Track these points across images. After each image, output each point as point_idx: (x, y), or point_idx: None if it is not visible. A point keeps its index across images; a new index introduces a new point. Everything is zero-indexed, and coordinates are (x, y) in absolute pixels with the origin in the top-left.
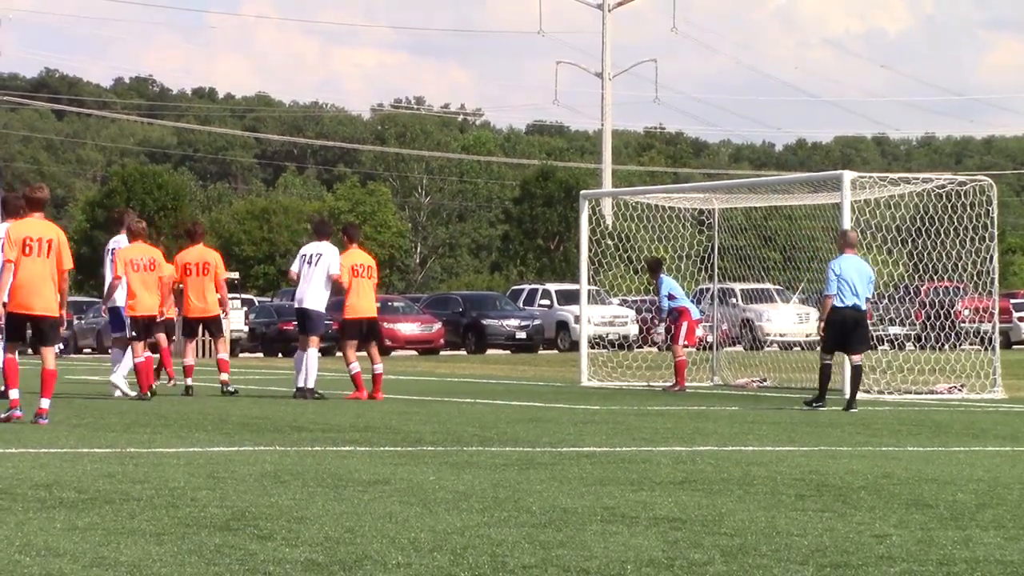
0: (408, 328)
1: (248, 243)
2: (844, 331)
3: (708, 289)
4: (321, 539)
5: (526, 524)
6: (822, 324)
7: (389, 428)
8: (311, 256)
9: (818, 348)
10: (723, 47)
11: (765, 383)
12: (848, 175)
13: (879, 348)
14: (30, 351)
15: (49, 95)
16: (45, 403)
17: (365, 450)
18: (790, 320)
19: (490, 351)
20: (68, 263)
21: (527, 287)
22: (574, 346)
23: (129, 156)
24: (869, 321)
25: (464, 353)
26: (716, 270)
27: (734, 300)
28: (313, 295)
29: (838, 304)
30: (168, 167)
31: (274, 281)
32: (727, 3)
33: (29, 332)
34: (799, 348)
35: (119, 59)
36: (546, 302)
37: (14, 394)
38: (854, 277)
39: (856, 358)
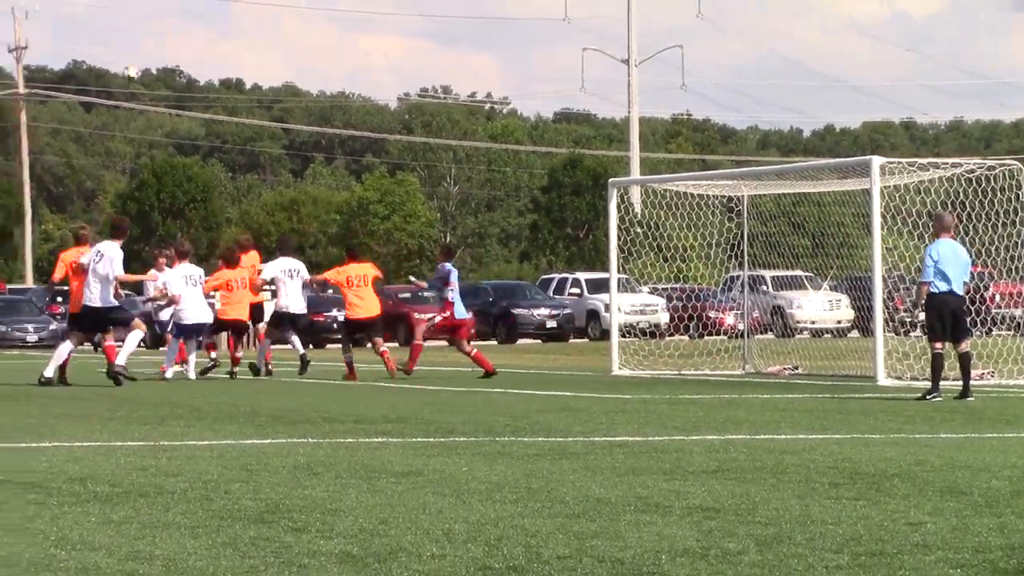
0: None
1: (277, 234)
2: (945, 319)
3: (738, 276)
4: (355, 531)
5: (560, 514)
6: (919, 312)
7: (421, 419)
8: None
9: (918, 335)
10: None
11: (797, 370)
12: (877, 160)
13: (911, 334)
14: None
15: (77, 87)
16: None
17: (398, 441)
18: (821, 307)
19: (520, 341)
20: None
21: (557, 276)
22: (605, 335)
23: (158, 148)
24: (901, 307)
25: (495, 343)
26: (746, 257)
27: (764, 287)
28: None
29: (936, 290)
30: (197, 159)
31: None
32: None
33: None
34: (830, 335)
35: (146, 50)
36: (576, 291)
37: None
38: (951, 262)
39: (963, 346)
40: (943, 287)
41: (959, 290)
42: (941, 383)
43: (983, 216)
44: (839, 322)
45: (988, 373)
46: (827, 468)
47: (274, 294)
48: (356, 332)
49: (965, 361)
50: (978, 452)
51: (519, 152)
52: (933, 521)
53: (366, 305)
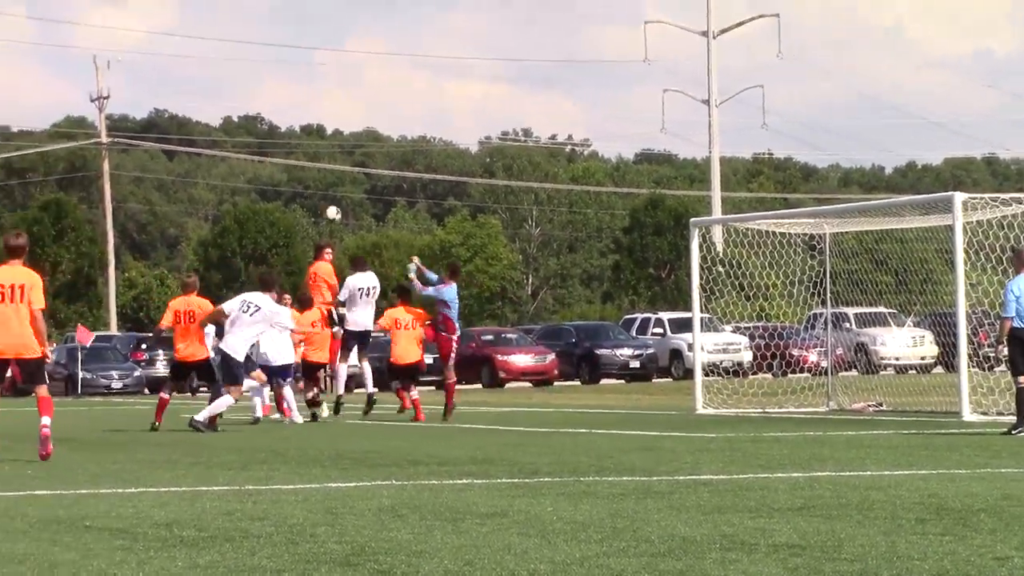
0: (522, 360)
1: None
2: None
3: (821, 314)
4: (440, 572)
5: (645, 553)
6: (1001, 347)
7: (506, 460)
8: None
9: (1003, 370)
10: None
11: (881, 407)
12: (959, 196)
13: (995, 370)
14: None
15: (159, 135)
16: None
17: (482, 482)
18: (905, 343)
19: (604, 381)
20: (38, 303)
21: (639, 316)
22: (688, 374)
23: (240, 194)
24: (986, 342)
25: (578, 383)
26: (828, 295)
27: (848, 324)
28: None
29: (1019, 325)
30: (279, 204)
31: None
32: (832, 27)
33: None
34: (914, 371)
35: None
36: (659, 330)
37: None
38: None
39: None
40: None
41: None
42: None
43: None
44: (923, 358)
45: None
46: (913, 504)
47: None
48: (400, 376)
49: None
50: None
51: (600, 193)
52: (1020, 556)
53: (411, 350)
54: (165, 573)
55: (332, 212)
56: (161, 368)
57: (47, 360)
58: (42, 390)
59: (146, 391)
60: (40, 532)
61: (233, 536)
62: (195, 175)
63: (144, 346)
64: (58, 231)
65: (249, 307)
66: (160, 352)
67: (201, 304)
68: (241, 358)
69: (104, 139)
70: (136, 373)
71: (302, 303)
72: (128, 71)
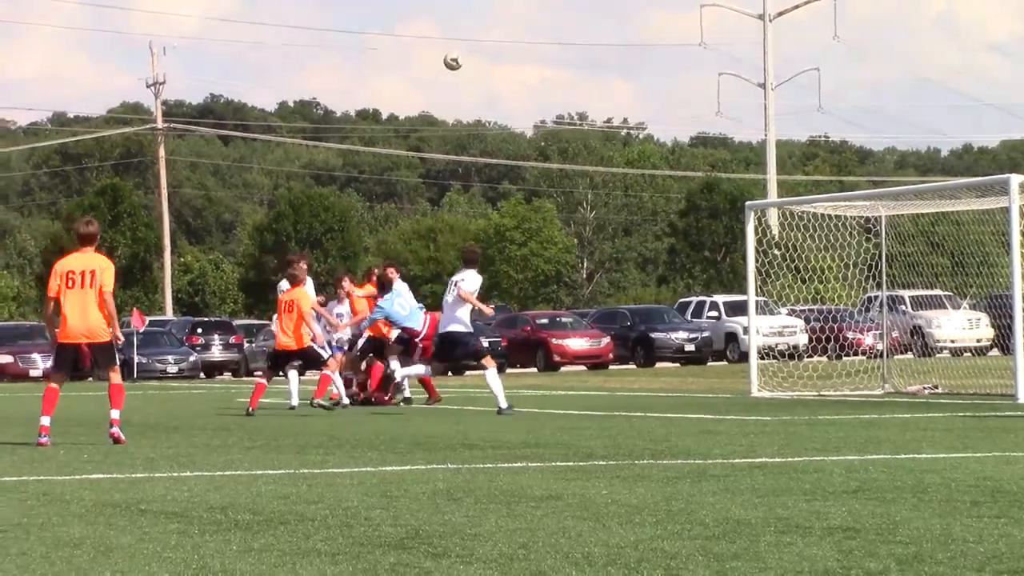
0: (577, 343)
1: (415, 262)
2: None
3: (876, 297)
4: (495, 556)
5: (699, 536)
6: None
7: (560, 443)
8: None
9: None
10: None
11: (937, 390)
12: (1016, 178)
13: None
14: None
15: (214, 121)
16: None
17: (537, 466)
18: (960, 326)
19: (659, 364)
20: (108, 285)
21: (695, 299)
22: (743, 357)
23: (295, 179)
24: None
25: (633, 367)
26: (884, 277)
27: (903, 307)
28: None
29: None
30: (334, 189)
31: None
32: (888, 10)
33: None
34: (970, 354)
35: (282, 83)
36: (714, 314)
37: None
38: None
39: None
40: None
41: None
42: None
43: None
44: (979, 341)
45: None
46: (968, 487)
47: None
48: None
49: None
50: None
51: (655, 177)
52: None
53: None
54: (220, 556)
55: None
56: (217, 353)
57: (119, 342)
58: (114, 376)
59: (201, 375)
60: (95, 516)
61: (288, 519)
62: (250, 160)
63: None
64: (114, 216)
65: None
66: (216, 337)
67: (301, 295)
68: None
69: (160, 124)
70: (192, 358)
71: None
72: (183, 57)
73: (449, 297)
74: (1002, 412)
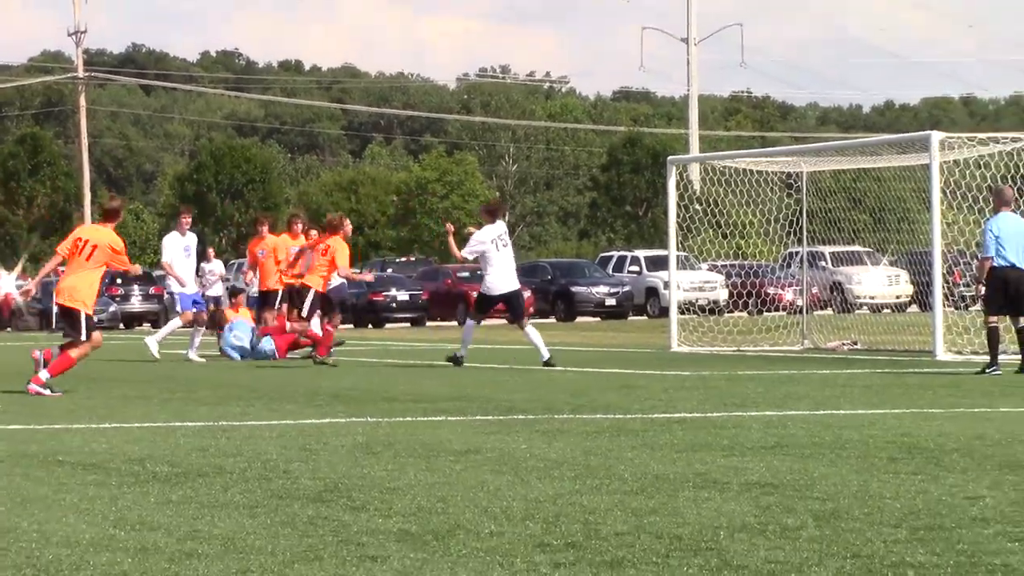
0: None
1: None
2: (1007, 292)
3: (797, 252)
4: (414, 509)
5: (618, 491)
6: (980, 287)
7: (480, 397)
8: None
9: (979, 309)
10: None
11: (856, 346)
12: (936, 136)
13: (970, 309)
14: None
15: (136, 70)
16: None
17: (456, 420)
18: (880, 282)
19: (580, 318)
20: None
21: (616, 254)
22: (664, 312)
23: (216, 130)
24: (960, 281)
25: (554, 321)
26: (805, 233)
27: (824, 263)
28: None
29: (997, 264)
30: (256, 140)
31: (363, 252)
32: None
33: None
34: (889, 310)
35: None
36: (635, 268)
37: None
38: (1012, 236)
39: (1015, 321)
40: (1004, 261)
41: (1020, 263)
42: (999, 357)
43: None
44: (898, 297)
45: None
46: (886, 443)
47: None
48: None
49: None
50: None
51: (578, 131)
52: (992, 495)
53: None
54: (137, 508)
55: None
56: (136, 304)
57: (90, 317)
58: (73, 349)
59: (121, 326)
60: (12, 467)
61: (206, 472)
62: (172, 110)
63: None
64: (34, 166)
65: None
66: (135, 288)
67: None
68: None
69: (81, 73)
70: (111, 308)
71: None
72: (106, 5)
73: (507, 255)
74: (920, 369)
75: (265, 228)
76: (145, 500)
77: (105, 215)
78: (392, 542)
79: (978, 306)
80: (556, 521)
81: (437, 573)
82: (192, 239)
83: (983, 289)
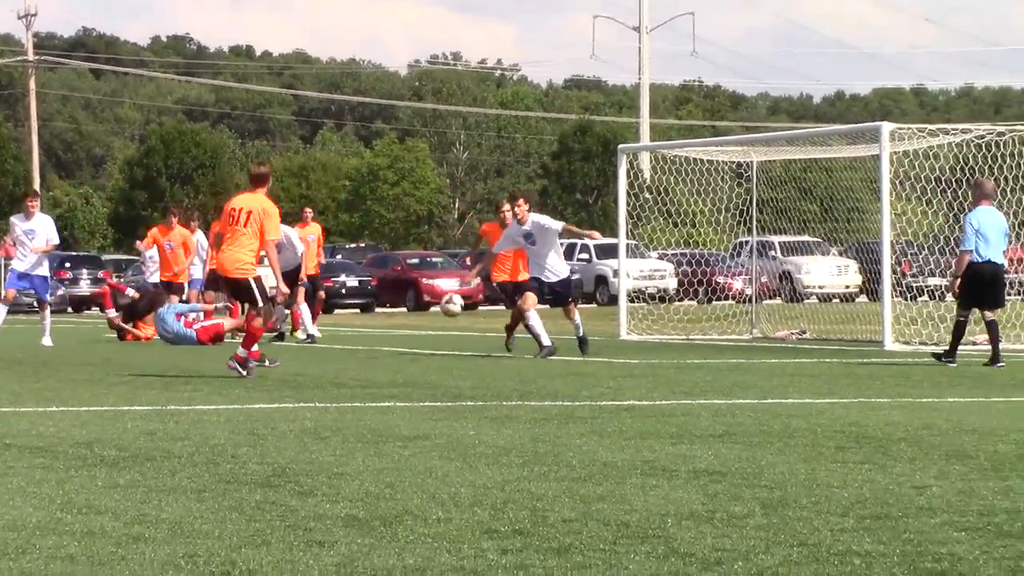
0: (448, 284)
1: (286, 200)
2: (982, 287)
3: (747, 242)
4: (361, 495)
5: (566, 478)
6: (957, 281)
7: (429, 383)
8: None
9: (952, 301)
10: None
11: (804, 335)
12: (887, 126)
13: (919, 299)
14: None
15: (86, 54)
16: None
17: (405, 406)
18: (829, 272)
19: None
20: (268, 233)
21: (565, 241)
22: (613, 300)
23: (167, 115)
24: (909, 272)
25: (503, 308)
26: (755, 223)
27: (773, 252)
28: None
29: (974, 259)
30: (206, 125)
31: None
32: None
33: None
34: (838, 300)
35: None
36: (585, 256)
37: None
38: (991, 231)
39: (989, 314)
40: (980, 257)
41: (997, 258)
42: (957, 351)
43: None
44: (847, 287)
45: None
46: (834, 432)
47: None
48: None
49: (993, 328)
50: (985, 416)
51: (529, 118)
52: (939, 485)
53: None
54: (85, 492)
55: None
56: (84, 287)
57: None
58: (255, 320)
59: (69, 309)
60: None
61: (154, 456)
62: (122, 94)
63: None
64: None
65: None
66: (84, 271)
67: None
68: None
69: (31, 57)
70: (59, 291)
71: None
72: None
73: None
74: (869, 359)
75: (175, 219)
76: (92, 484)
77: (254, 180)
78: (339, 527)
79: (950, 298)
80: (504, 508)
81: (384, 559)
82: (39, 222)
83: (956, 283)
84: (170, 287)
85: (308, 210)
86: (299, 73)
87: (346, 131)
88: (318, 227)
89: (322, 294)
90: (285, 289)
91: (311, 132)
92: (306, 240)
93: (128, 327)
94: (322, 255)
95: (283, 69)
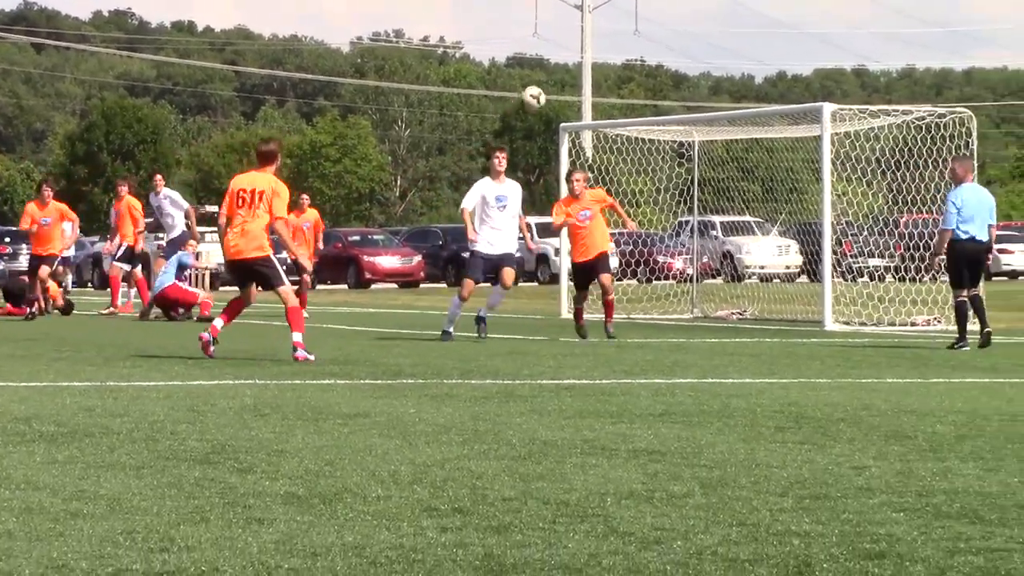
0: (388, 261)
1: (227, 176)
2: (961, 266)
3: (688, 222)
4: (301, 472)
5: (506, 456)
6: (939, 260)
7: (369, 361)
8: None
9: (891, 282)
10: None
11: (745, 315)
12: (828, 107)
13: (859, 280)
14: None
15: (27, 28)
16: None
17: (345, 383)
18: (770, 252)
19: None
20: (278, 211)
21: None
22: (554, 279)
23: (108, 90)
24: (850, 253)
25: (444, 286)
26: (696, 202)
27: (714, 232)
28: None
29: (956, 237)
30: (147, 101)
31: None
32: None
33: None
34: (779, 280)
35: None
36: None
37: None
38: (974, 207)
39: (971, 291)
40: (966, 234)
41: (982, 236)
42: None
43: (932, 163)
44: (788, 267)
45: (935, 319)
46: (773, 412)
47: None
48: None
49: (977, 303)
50: (924, 397)
51: (471, 96)
52: (877, 465)
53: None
54: (23, 468)
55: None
56: (24, 263)
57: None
58: (287, 297)
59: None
60: None
61: (93, 432)
62: (63, 69)
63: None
64: None
65: None
66: (24, 247)
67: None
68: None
69: None
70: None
71: None
72: None
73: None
74: (809, 339)
75: (124, 189)
76: (30, 459)
77: (261, 158)
78: (279, 504)
79: (928, 277)
80: (443, 486)
81: (323, 536)
82: None
83: (939, 260)
84: (42, 261)
85: (305, 196)
86: (241, 49)
87: (288, 108)
88: (315, 213)
89: (307, 278)
90: (308, 266)
91: (253, 108)
92: (301, 227)
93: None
94: (320, 241)
95: (225, 45)
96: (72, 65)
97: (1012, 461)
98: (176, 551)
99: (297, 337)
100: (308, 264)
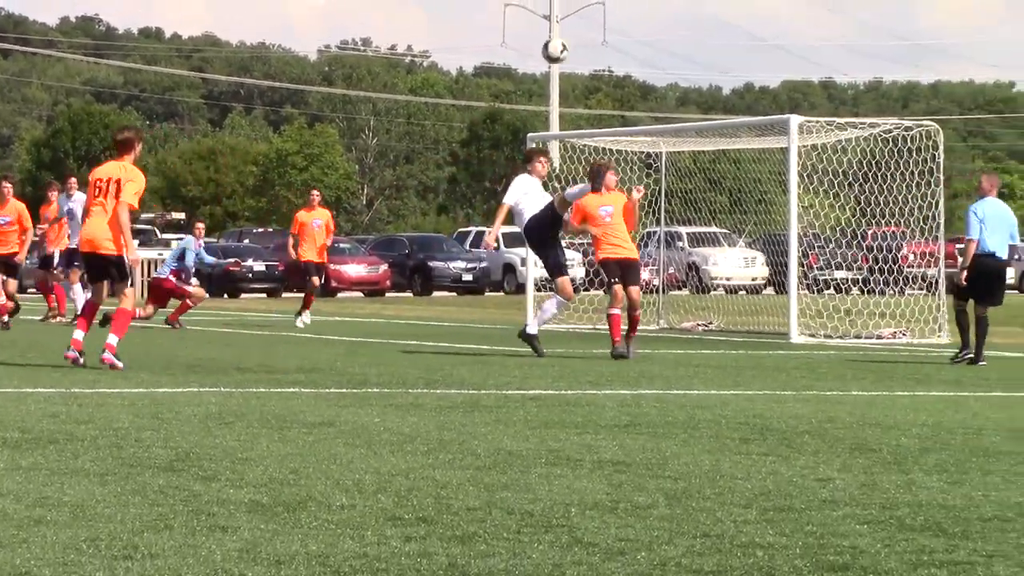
0: (354, 270)
1: (194, 183)
2: (982, 281)
3: (655, 232)
4: (265, 480)
5: (471, 466)
6: (965, 274)
7: (334, 370)
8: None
9: (949, 295)
10: None
11: (711, 326)
12: (795, 119)
13: (824, 292)
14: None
15: None
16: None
17: (310, 392)
18: (736, 264)
19: (436, 293)
20: (125, 195)
21: (474, 229)
22: (520, 289)
23: (75, 96)
24: (816, 265)
25: (410, 295)
26: (663, 213)
27: (681, 243)
28: None
29: (979, 251)
30: (114, 107)
31: (220, 222)
32: None
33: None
34: (745, 292)
35: None
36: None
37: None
38: (994, 222)
39: (981, 310)
40: (983, 249)
41: (1001, 252)
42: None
43: (899, 176)
44: (754, 279)
45: (900, 332)
46: (738, 424)
47: None
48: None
49: (983, 326)
50: (888, 410)
51: (439, 105)
52: (842, 477)
53: None
54: None
55: None
56: None
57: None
58: (124, 299)
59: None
60: None
61: (57, 438)
62: (30, 75)
63: None
64: None
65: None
66: None
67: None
68: None
69: None
70: None
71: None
72: None
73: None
74: (775, 351)
75: (8, 192)
76: None
77: (119, 147)
78: (243, 512)
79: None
80: (408, 495)
81: (287, 544)
82: None
83: (964, 274)
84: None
85: (316, 194)
86: (208, 56)
87: (255, 115)
88: (327, 212)
89: (316, 281)
90: (136, 256)
91: (220, 116)
92: (311, 225)
93: None
94: (330, 240)
95: (192, 52)
96: (39, 71)
97: (976, 474)
98: (140, 559)
99: (112, 340)
100: (135, 254)
